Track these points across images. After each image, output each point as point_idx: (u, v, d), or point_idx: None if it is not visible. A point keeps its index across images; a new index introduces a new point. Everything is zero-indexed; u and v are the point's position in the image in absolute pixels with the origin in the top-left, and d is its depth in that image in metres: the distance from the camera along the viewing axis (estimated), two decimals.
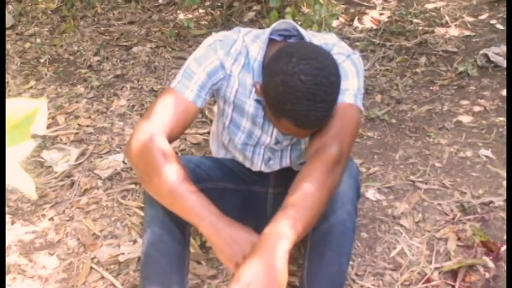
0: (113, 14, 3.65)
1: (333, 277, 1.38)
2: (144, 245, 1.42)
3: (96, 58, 3.08)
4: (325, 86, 1.19)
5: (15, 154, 0.37)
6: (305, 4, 3.02)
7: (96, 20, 3.56)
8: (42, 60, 3.08)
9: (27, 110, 0.39)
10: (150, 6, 3.72)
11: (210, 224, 1.21)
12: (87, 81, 2.86)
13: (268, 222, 1.70)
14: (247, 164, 1.63)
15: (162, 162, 1.25)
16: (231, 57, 1.39)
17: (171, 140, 1.35)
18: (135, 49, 3.17)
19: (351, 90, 1.36)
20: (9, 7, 3.54)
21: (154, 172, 1.25)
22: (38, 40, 3.29)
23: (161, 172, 1.24)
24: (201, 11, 3.62)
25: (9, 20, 3.36)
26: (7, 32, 3.33)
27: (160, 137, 1.30)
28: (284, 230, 1.14)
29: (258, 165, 1.61)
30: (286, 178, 1.65)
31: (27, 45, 3.23)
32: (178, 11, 3.64)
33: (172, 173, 1.24)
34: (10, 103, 0.39)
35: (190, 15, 3.58)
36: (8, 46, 3.19)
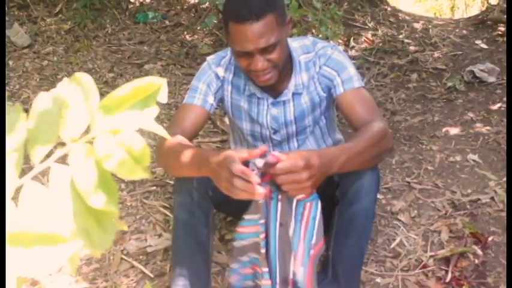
0: (123, 34, 3.87)
1: (356, 257, 1.56)
2: (174, 228, 1.62)
3: (111, 75, 3.29)
4: None
5: (148, 114, 0.59)
6: (312, 25, 3.26)
7: (107, 40, 3.78)
8: (59, 77, 3.29)
9: (153, 85, 0.60)
10: (158, 27, 3.95)
11: (205, 166, 1.32)
12: (104, 95, 3.04)
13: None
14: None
15: (182, 148, 1.43)
16: (222, 67, 1.72)
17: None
18: (146, 66, 3.39)
19: (354, 76, 1.63)
20: (26, 27, 3.75)
21: (176, 156, 1.42)
22: (55, 58, 3.49)
23: (180, 153, 1.41)
24: (205, 32, 3.85)
25: (26, 40, 3.57)
26: (24, 51, 3.54)
27: (179, 136, 1.53)
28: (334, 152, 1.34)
29: None
30: None
31: (45, 62, 3.43)
32: (185, 32, 3.88)
33: (187, 150, 1.41)
34: (140, 80, 0.61)
35: (196, 36, 3.81)
36: (26, 64, 3.40)
